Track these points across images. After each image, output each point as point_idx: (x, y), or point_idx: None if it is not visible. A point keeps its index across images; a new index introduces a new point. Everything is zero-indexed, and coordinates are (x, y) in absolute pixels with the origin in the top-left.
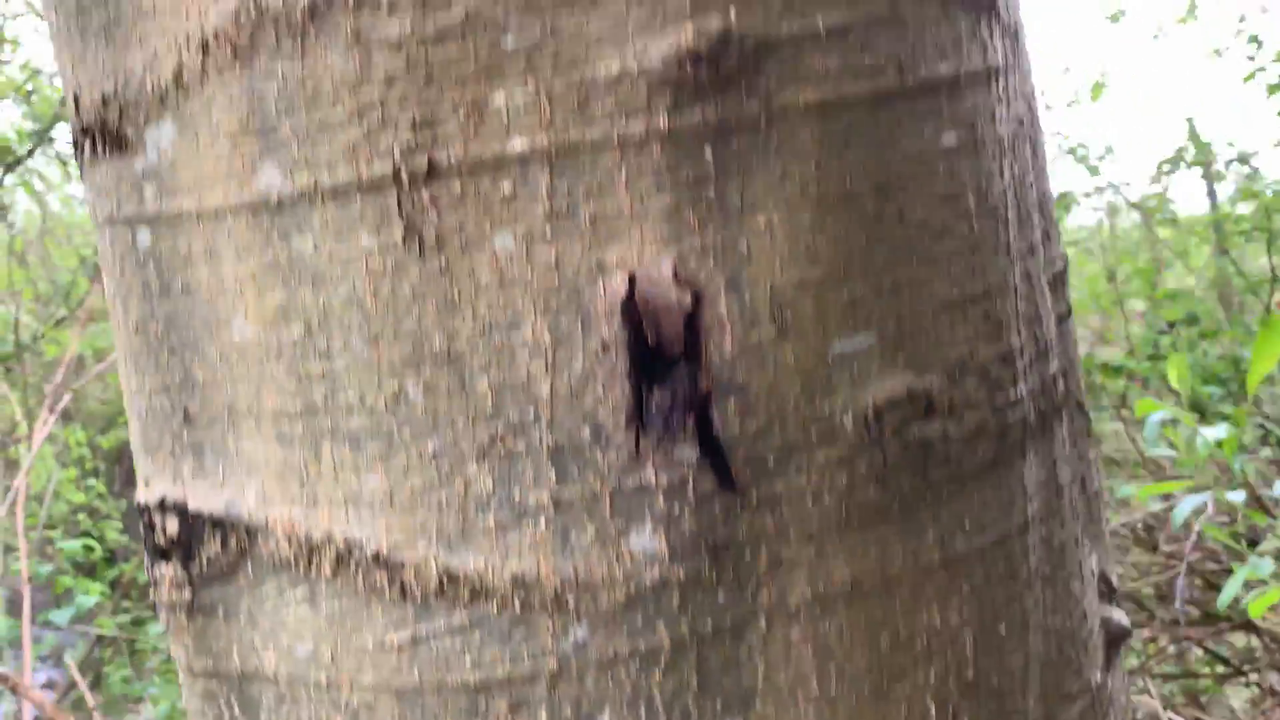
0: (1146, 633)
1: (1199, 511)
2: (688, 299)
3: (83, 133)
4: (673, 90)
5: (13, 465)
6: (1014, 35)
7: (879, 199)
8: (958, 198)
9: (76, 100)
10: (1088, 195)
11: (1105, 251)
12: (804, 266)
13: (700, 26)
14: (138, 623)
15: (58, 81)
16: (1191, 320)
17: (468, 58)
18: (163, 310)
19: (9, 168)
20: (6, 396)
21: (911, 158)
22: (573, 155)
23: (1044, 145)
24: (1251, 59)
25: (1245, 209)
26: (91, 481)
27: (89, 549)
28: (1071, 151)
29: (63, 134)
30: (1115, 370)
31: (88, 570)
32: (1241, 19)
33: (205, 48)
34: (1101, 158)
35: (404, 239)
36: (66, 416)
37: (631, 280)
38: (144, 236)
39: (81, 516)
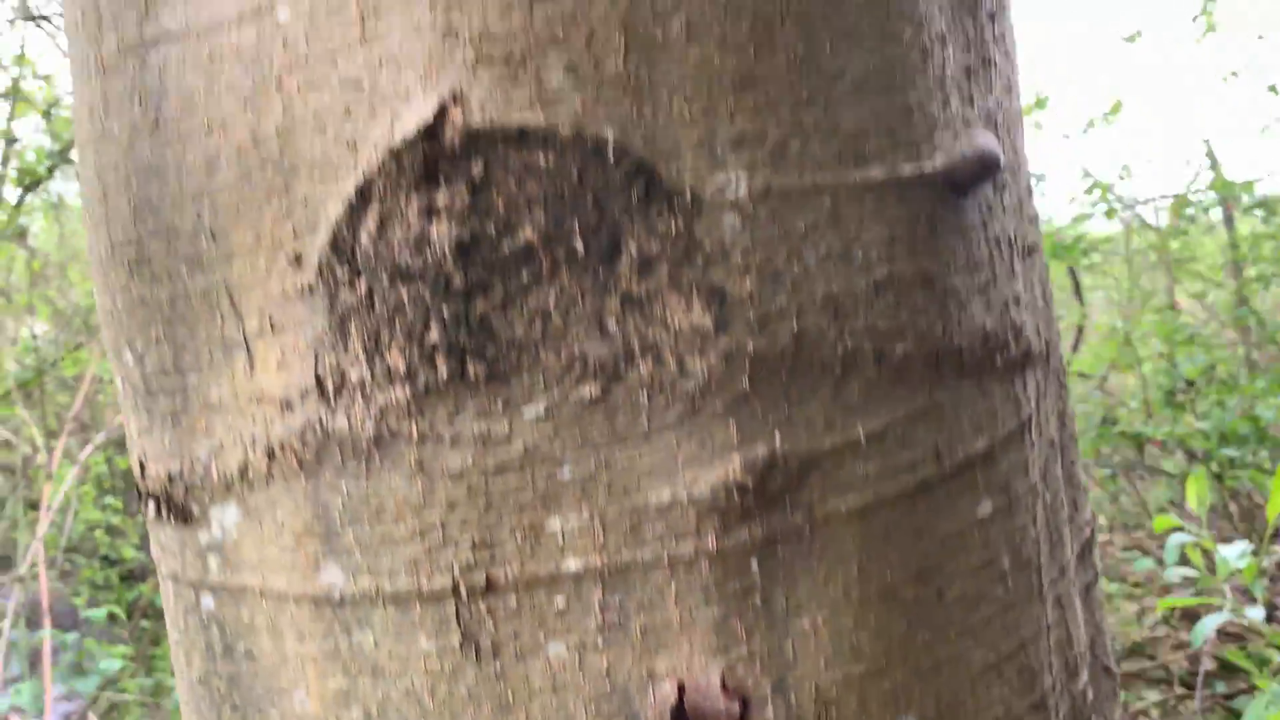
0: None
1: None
2: (735, 706)
3: (148, 494)
4: (721, 515)
5: (32, 483)
6: (1045, 358)
7: (918, 585)
8: (993, 563)
9: (142, 465)
10: (1108, 241)
11: (1122, 268)
12: (847, 663)
13: (747, 457)
14: (158, 691)
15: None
16: (1210, 368)
17: (526, 487)
18: (225, 670)
19: (28, 189)
20: (26, 421)
21: (949, 537)
22: (624, 574)
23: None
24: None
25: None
26: (109, 499)
27: (110, 613)
28: (1097, 188)
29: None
30: (1133, 437)
31: (104, 586)
32: (1260, 37)
33: (271, 454)
34: (1121, 177)
35: (461, 645)
36: (84, 431)
37: (680, 688)
38: (208, 600)
39: (99, 533)
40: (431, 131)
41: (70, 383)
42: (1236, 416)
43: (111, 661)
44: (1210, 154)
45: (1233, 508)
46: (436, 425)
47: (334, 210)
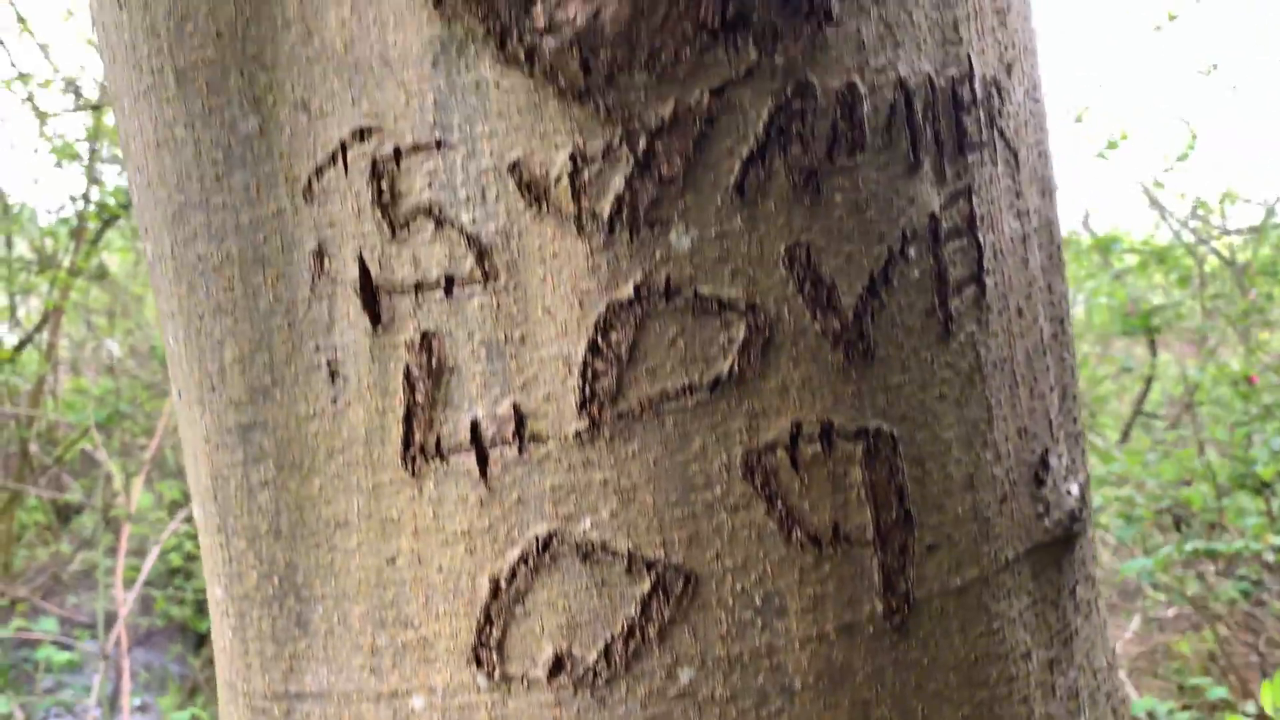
0: None
1: None
2: None
3: None
4: None
5: (109, 509)
6: None
7: None
8: None
9: None
10: (1182, 306)
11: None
12: None
13: None
14: None
15: None
16: None
17: None
18: None
19: (106, 223)
20: (105, 462)
21: None
22: None
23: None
24: None
25: None
26: (185, 526)
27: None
28: (1161, 255)
29: None
30: (1207, 553)
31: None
32: None
33: None
34: (1194, 212)
35: None
36: (162, 467)
37: None
38: None
39: (175, 556)
40: None
41: (146, 410)
42: None
43: None
44: None
45: None
46: None
47: None
